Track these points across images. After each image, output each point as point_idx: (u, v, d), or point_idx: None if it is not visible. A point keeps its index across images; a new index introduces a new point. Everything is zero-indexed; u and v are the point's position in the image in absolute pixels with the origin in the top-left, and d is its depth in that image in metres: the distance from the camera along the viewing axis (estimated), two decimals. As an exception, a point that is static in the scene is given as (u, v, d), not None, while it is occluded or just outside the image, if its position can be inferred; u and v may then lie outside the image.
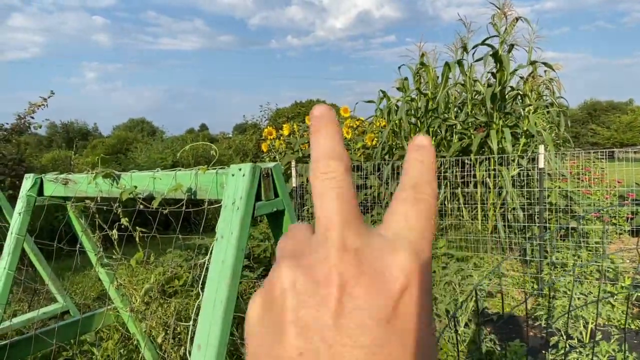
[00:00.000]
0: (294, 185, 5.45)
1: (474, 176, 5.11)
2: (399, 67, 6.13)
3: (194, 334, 1.06)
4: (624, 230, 5.37)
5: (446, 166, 5.21)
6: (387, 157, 5.87)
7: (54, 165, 10.85)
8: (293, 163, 5.54)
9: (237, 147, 15.54)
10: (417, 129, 5.76)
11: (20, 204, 1.83)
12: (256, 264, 4.10)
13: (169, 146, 13.11)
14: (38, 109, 6.64)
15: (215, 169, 1.23)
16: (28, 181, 1.84)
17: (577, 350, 2.41)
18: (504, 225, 4.86)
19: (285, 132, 6.63)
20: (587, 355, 2.37)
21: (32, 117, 6.75)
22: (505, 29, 5.31)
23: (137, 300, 2.20)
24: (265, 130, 6.82)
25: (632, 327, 3.26)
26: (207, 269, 1.10)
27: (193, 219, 6.33)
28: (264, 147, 6.73)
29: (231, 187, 1.14)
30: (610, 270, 3.85)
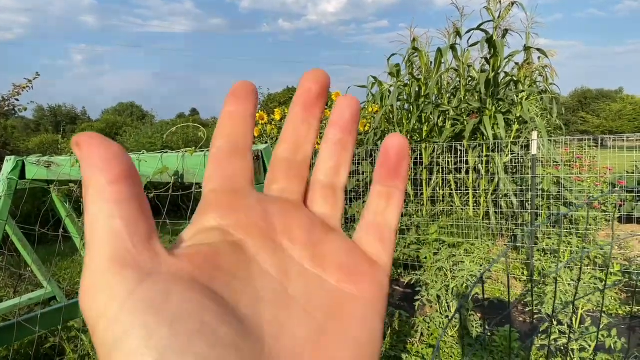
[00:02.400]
0: (285, 170, 5.39)
1: (467, 162, 5.09)
2: (389, 58, 6.03)
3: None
4: (614, 218, 5.42)
5: (438, 152, 5.19)
6: (379, 142, 5.83)
7: (41, 149, 10.67)
8: (285, 148, 5.48)
9: (228, 132, 15.38)
10: (410, 115, 5.71)
11: (0, 188, 1.76)
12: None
13: (159, 131, 12.94)
14: (23, 90, 6.46)
15: (203, 151, 1.18)
16: (9, 164, 1.78)
17: (567, 335, 2.42)
18: (496, 212, 4.87)
19: (277, 117, 6.54)
20: (576, 340, 2.38)
21: (17, 100, 6.57)
22: (500, 14, 5.24)
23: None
24: (257, 115, 6.72)
25: (620, 312, 3.30)
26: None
27: (182, 204, 6.26)
28: (255, 132, 6.63)
29: (220, 170, 1.09)
30: (600, 256, 3.89)
